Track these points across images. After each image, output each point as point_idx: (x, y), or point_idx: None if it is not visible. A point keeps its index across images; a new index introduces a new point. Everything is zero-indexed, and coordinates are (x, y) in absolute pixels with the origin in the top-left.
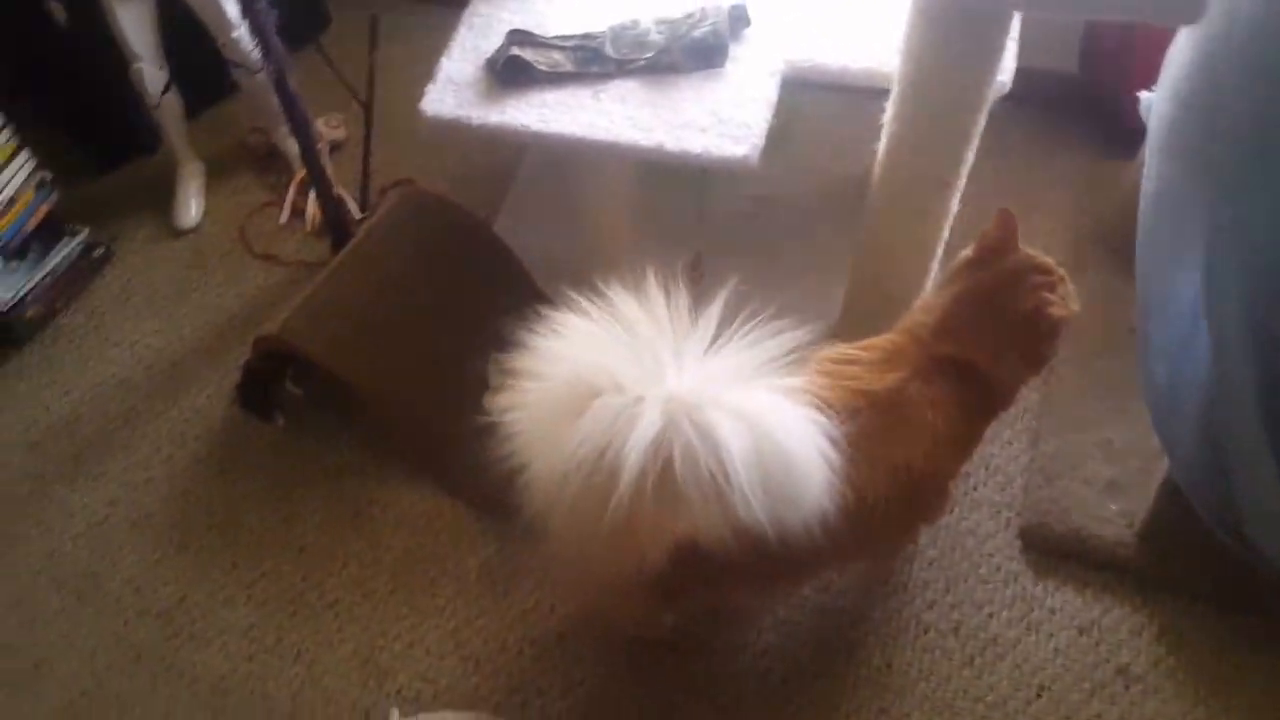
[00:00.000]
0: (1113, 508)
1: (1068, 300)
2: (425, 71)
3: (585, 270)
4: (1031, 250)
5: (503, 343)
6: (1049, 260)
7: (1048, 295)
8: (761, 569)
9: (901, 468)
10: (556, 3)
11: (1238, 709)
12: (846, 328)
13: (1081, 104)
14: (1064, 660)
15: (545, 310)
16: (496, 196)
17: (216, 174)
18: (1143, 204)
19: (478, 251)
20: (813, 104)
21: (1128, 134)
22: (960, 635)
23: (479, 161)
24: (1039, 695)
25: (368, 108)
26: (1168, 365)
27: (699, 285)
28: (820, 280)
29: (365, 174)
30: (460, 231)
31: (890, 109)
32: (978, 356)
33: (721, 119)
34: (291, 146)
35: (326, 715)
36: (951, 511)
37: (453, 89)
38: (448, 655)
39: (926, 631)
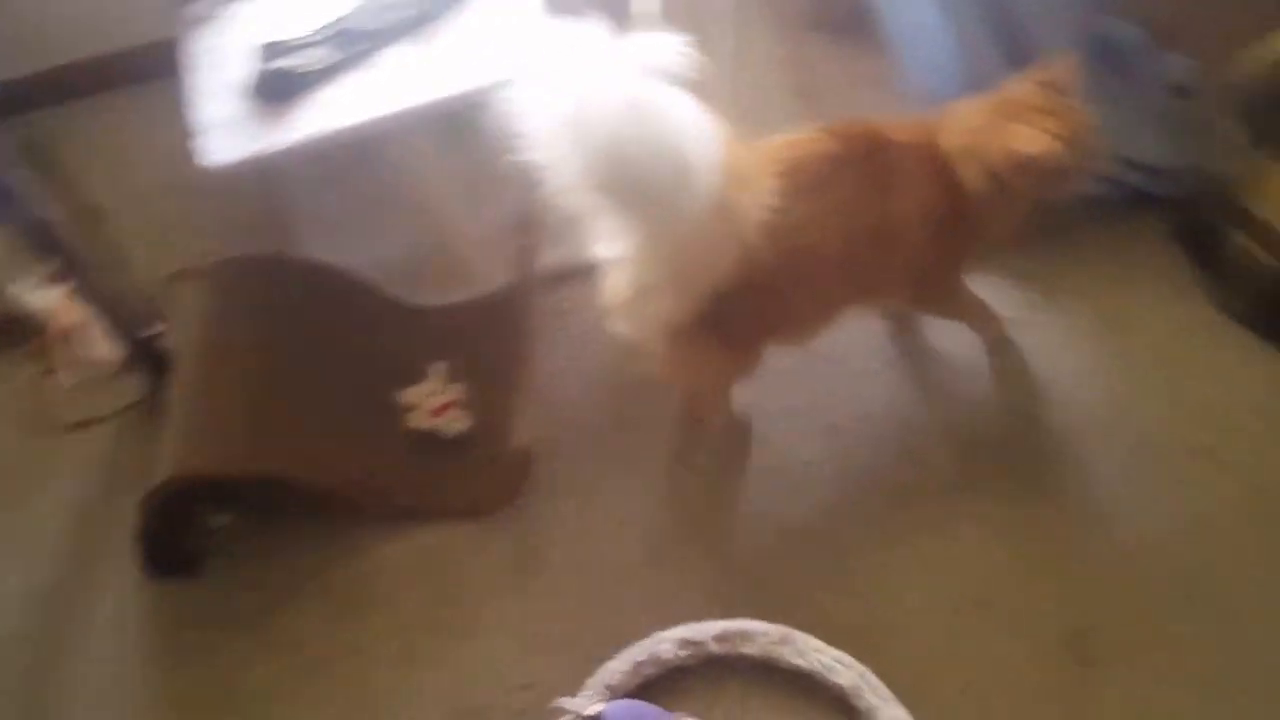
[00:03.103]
0: None
1: (1060, 142)
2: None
3: (420, 260)
4: (1065, 100)
5: (395, 366)
6: (1070, 105)
7: (1030, 130)
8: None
9: (884, 224)
10: (282, 6)
11: None
12: None
13: None
14: None
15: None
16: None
17: None
18: None
19: (312, 288)
20: None
21: None
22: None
23: (238, 221)
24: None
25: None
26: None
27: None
28: None
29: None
30: (285, 278)
31: None
32: (968, 166)
33: (501, 45)
34: (38, 298)
35: None
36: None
37: (226, 132)
38: (519, 659)
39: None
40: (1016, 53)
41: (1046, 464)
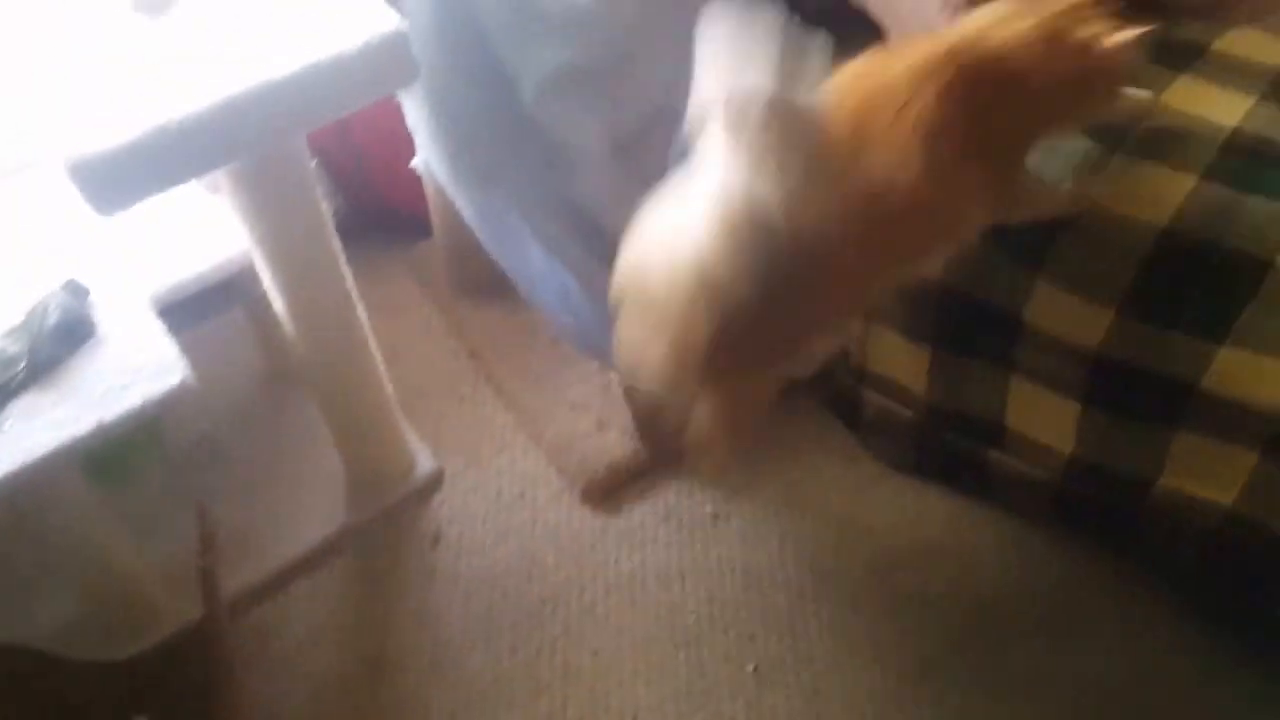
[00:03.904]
0: None
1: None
2: None
3: (100, 611)
4: None
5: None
6: None
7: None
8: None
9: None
10: None
11: None
12: None
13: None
14: None
15: None
16: None
17: None
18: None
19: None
20: None
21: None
22: None
23: None
24: None
25: None
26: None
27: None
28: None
29: None
30: None
31: None
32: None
33: (134, 371)
34: None
35: None
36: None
37: None
38: None
39: None
40: None
41: (777, 641)
